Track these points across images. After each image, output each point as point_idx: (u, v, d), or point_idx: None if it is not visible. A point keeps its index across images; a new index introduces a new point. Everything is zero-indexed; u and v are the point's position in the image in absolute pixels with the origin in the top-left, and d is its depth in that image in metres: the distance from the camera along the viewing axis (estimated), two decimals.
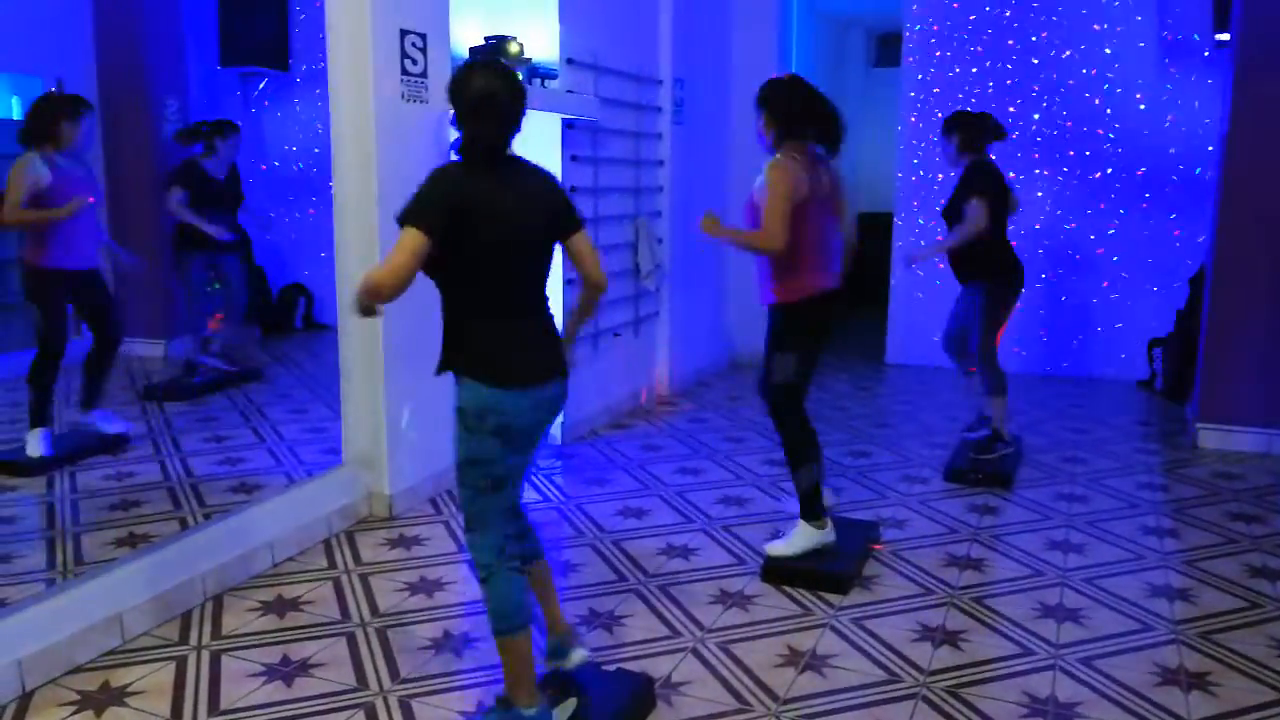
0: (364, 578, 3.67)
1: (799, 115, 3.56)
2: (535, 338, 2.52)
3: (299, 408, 5.74)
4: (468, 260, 2.41)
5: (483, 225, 2.38)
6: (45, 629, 2.95)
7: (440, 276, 2.46)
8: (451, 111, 2.46)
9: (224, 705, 2.82)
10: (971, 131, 4.85)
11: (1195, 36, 6.77)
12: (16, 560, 3.55)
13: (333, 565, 3.79)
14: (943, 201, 5.02)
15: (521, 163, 2.55)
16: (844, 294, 3.70)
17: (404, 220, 2.33)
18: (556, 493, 4.68)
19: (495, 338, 2.46)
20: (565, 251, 2.63)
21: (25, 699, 2.83)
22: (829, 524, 3.75)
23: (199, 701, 2.84)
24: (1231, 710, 2.85)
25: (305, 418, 5.51)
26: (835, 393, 6.87)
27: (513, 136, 2.48)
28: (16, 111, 5.38)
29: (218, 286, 6.90)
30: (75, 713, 2.78)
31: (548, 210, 2.54)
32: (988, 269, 4.86)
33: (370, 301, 2.40)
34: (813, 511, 3.71)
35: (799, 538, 3.72)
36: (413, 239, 2.30)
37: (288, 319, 7.34)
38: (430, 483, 4.49)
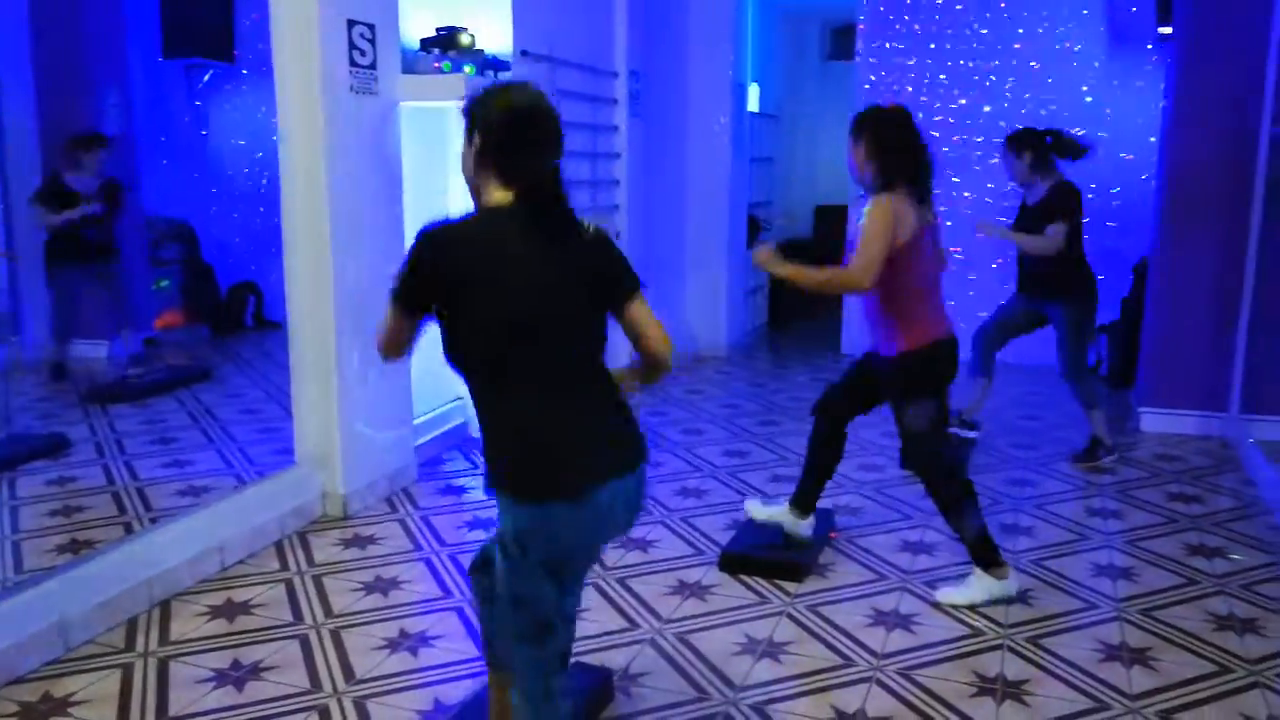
0: (317, 579, 3.63)
1: (907, 153, 3.28)
2: (584, 423, 1.98)
3: (250, 408, 5.67)
4: (465, 341, 1.95)
5: (480, 298, 1.89)
6: None
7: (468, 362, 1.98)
8: (475, 144, 2.01)
9: (173, 712, 2.77)
10: (1042, 150, 4.74)
11: (1138, 28, 6.90)
12: None
13: (285, 567, 3.74)
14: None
15: (567, 211, 2.03)
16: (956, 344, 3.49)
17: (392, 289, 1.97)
18: None
19: (526, 434, 1.94)
20: (620, 323, 2.08)
21: None
22: (1009, 571, 3.45)
23: (146, 709, 2.78)
24: (1171, 684, 2.93)
25: (257, 418, 5.44)
26: (793, 384, 6.92)
27: (560, 171, 2.03)
28: None
29: (165, 284, 6.78)
30: None
31: (590, 274, 2.00)
32: (1069, 288, 4.82)
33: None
34: (988, 559, 3.42)
35: (977, 588, 3.43)
36: (393, 314, 1.98)
37: (238, 317, 7.24)
38: (385, 481, 4.46)
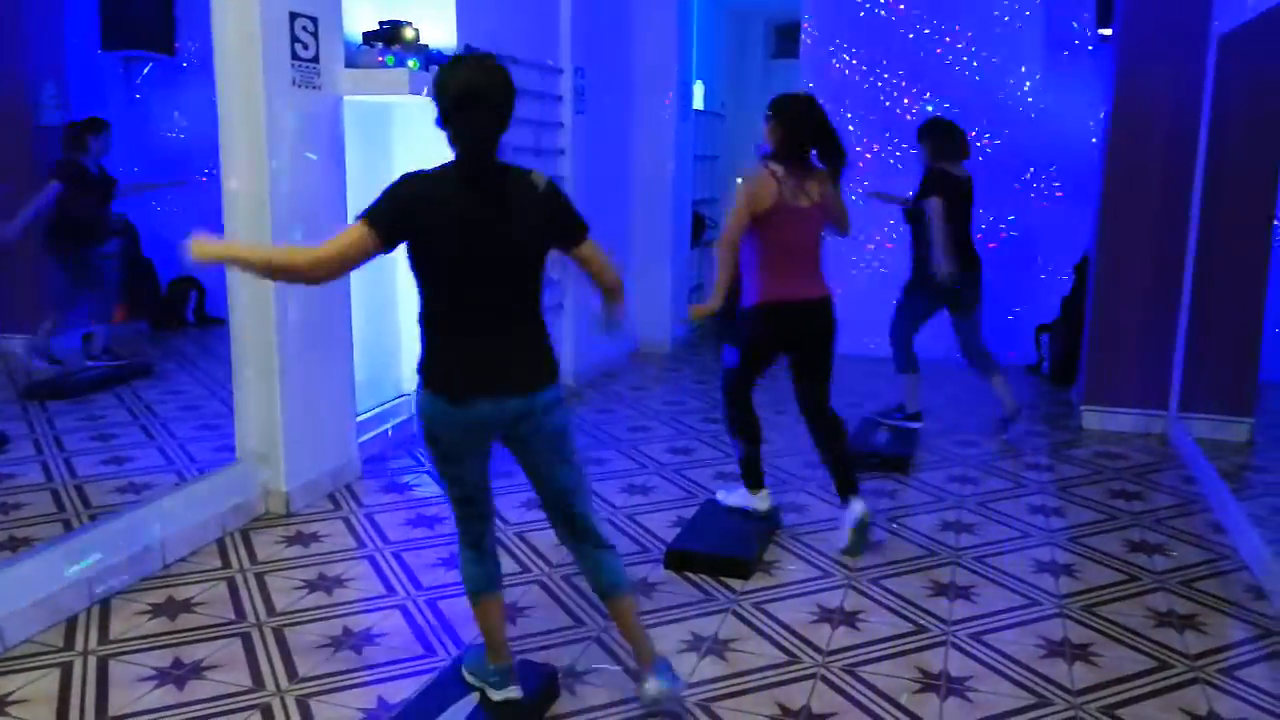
0: (260, 576, 3.58)
1: (797, 135, 3.73)
2: (497, 354, 2.42)
3: (191, 404, 5.56)
4: (425, 274, 2.39)
5: (439, 239, 2.33)
6: None
7: (416, 281, 2.44)
8: (435, 112, 2.36)
9: (113, 711, 2.73)
10: (930, 141, 5.23)
11: (1079, 30, 7.02)
12: None
13: (227, 565, 3.68)
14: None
15: (511, 169, 2.44)
16: (818, 306, 3.86)
17: (362, 213, 2.32)
18: None
19: (446, 350, 2.43)
20: (575, 261, 2.60)
21: None
22: (765, 494, 4.10)
23: (86, 708, 2.74)
24: (1112, 679, 2.98)
25: (198, 414, 5.34)
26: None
27: (497, 139, 2.37)
28: None
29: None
30: None
31: (538, 220, 2.43)
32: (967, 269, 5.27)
33: (278, 278, 2.49)
34: (748, 481, 4.09)
35: (735, 497, 4.15)
36: (355, 230, 2.29)
37: (178, 313, 7.09)
38: (329, 478, 4.41)
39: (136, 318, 6.82)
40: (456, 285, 2.38)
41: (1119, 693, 2.91)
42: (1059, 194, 7.24)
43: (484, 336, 2.41)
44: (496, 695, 2.67)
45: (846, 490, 3.91)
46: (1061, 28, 7.08)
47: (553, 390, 2.50)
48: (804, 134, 3.71)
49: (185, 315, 7.11)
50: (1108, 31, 6.18)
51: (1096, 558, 3.89)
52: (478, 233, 2.34)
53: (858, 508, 3.84)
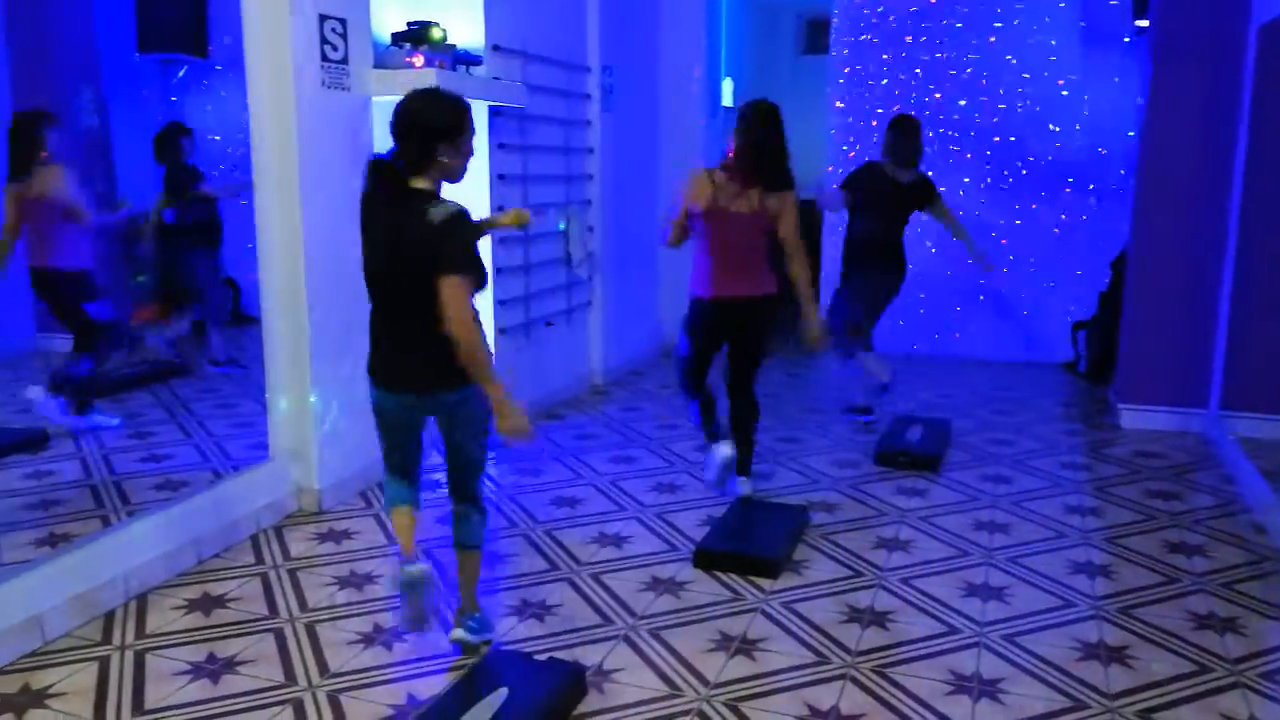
0: (292, 573, 3.62)
1: (742, 142, 3.92)
2: (403, 359, 2.81)
3: (227, 402, 5.63)
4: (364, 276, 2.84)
5: (363, 248, 2.77)
6: None
7: None
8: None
9: (148, 705, 2.76)
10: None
11: (1115, 22, 6.92)
12: None
13: (260, 561, 3.72)
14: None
15: (419, 195, 2.68)
16: (750, 303, 4.03)
17: None
18: (489, 483, 4.65)
19: (374, 347, 2.89)
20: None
21: None
22: (723, 446, 4.21)
23: (122, 702, 2.78)
24: (1149, 682, 2.93)
25: (233, 412, 5.40)
26: (767, 380, 6.89)
27: (408, 167, 2.68)
28: None
29: (142, 278, 6.74)
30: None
31: (421, 250, 2.64)
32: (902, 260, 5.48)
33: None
34: (710, 438, 4.28)
35: (714, 465, 4.26)
36: None
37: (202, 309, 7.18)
38: (360, 476, 4.44)
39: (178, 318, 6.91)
40: (373, 292, 2.81)
41: (1156, 697, 2.86)
42: (1095, 189, 7.14)
43: (393, 341, 2.81)
44: (409, 569, 2.88)
45: (741, 469, 4.23)
46: (1097, 20, 6.99)
47: (460, 392, 2.80)
48: (752, 157, 3.90)
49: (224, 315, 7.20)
50: (1144, 23, 6.08)
51: (1134, 559, 3.83)
52: (379, 249, 2.73)
53: (740, 485, 4.23)
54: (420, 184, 2.69)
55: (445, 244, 2.63)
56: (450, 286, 2.62)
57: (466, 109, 2.74)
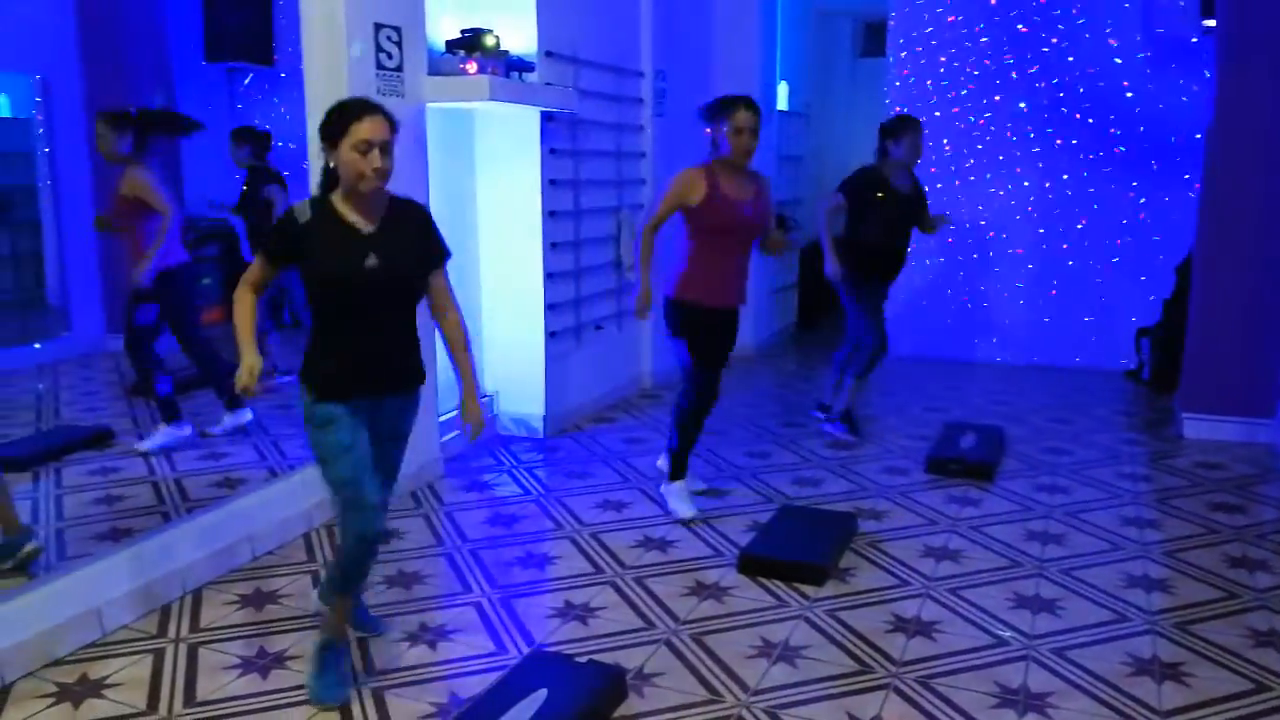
0: None
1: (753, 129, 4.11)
2: (373, 359, 2.79)
3: (285, 403, 5.73)
4: None
5: (320, 255, 2.71)
6: (25, 622, 2.96)
7: None
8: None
9: (200, 697, 2.83)
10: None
11: (1182, 21, 6.75)
12: None
13: (311, 559, 3.79)
14: None
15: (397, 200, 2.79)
16: (736, 314, 4.18)
17: None
18: (538, 485, 4.68)
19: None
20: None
21: (4, 691, 2.84)
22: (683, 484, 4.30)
23: (175, 693, 2.85)
24: (1203, 700, 2.86)
25: (291, 413, 5.50)
26: (817, 385, 6.85)
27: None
28: (6, 109, 5.39)
29: (207, 280, 6.91)
30: (53, 705, 2.79)
31: (404, 250, 2.74)
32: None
33: None
34: (673, 472, 4.31)
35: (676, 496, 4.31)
36: None
37: (276, 316, 7.33)
38: (411, 476, 4.48)
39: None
40: (344, 299, 2.74)
41: (1210, 714, 2.79)
42: (1160, 193, 6.98)
43: (381, 343, 2.79)
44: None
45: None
46: (1163, 20, 6.82)
47: (419, 386, 2.90)
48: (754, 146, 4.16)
49: (283, 317, 7.34)
50: (1212, 22, 5.93)
51: (1193, 573, 3.73)
52: (355, 256, 2.70)
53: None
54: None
55: (437, 238, 2.81)
56: (445, 278, 2.83)
57: (342, 111, 2.68)
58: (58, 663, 3.00)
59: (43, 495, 4.12)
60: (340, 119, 2.63)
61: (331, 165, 2.70)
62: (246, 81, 7.18)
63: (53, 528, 3.84)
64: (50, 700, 2.82)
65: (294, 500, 4.01)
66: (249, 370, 2.67)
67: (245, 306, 2.75)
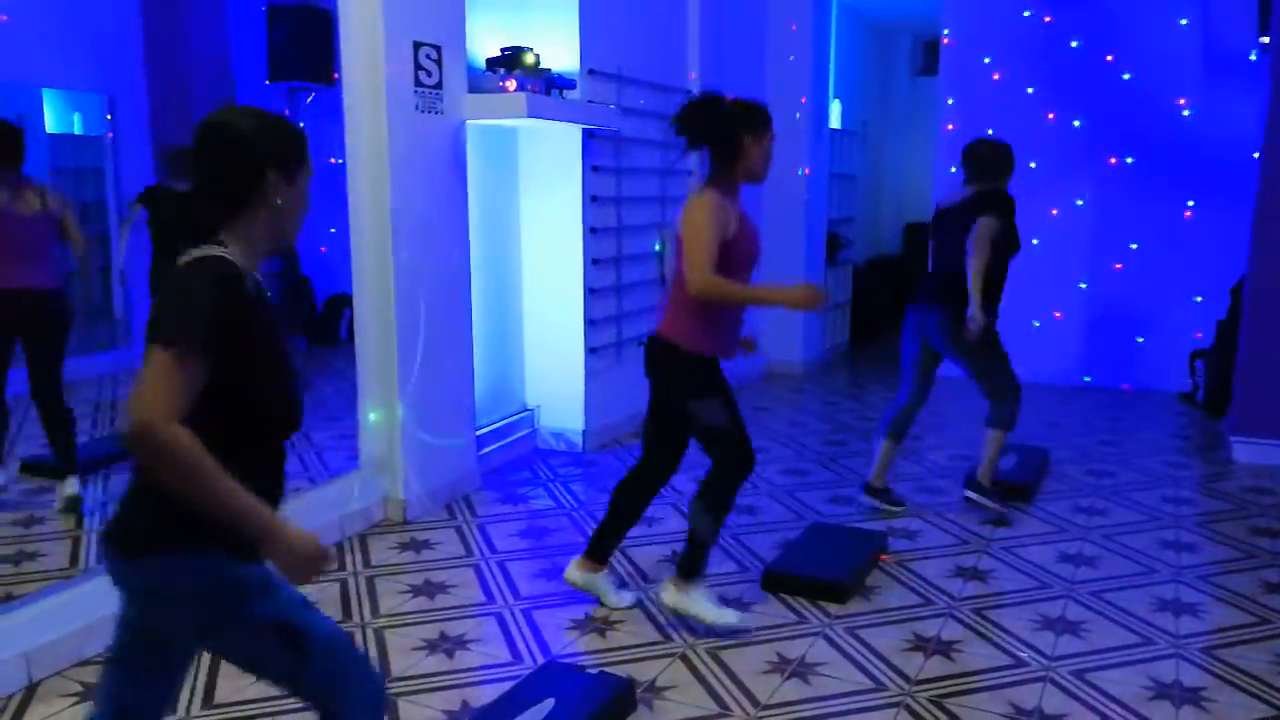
0: (370, 580, 3.76)
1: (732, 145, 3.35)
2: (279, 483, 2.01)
3: (332, 415, 5.87)
4: None
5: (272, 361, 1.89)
6: (57, 622, 3.07)
7: None
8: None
9: (218, 699, 2.91)
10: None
11: (1239, 38, 6.61)
12: (41, 559, 3.69)
13: (342, 567, 3.88)
14: None
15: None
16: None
17: None
18: (572, 500, 4.73)
19: None
20: None
21: (30, 690, 2.95)
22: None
23: (195, 695, 2.93)
24: None
25: (336, 425, 5.62)
26: (864, 403, 6.83)
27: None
28: (78, 127, 5.62)
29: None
30: (77, 703, 2.89)
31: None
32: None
33: None
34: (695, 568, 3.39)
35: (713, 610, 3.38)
36: None
37: (333, 330, 7.49)
38: (447, 488, 4.58)
39: (294, 334, 7.25)
40: (288, 416, 1.99)
41: None
42: (1216, 213, 6.82)
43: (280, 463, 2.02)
44: None
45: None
46: (1220, 36, 6.69)
47: None
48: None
49: (339, 332, 7.51)
50: (1268, 39, 5.80)
51: (1227, 598, 3.64)
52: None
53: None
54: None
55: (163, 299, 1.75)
56: (151, 355, 1.68)
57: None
58: (85, 662, 3.09)
59: (91, 499, 4.27)
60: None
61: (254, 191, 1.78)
62: (309, 100, 7.38)
63: (95, 532, 3.98)
64: (73, 700, 2.91)
65: (329, 508, 4.11)
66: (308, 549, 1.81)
67: (208, 463, 1.64)
